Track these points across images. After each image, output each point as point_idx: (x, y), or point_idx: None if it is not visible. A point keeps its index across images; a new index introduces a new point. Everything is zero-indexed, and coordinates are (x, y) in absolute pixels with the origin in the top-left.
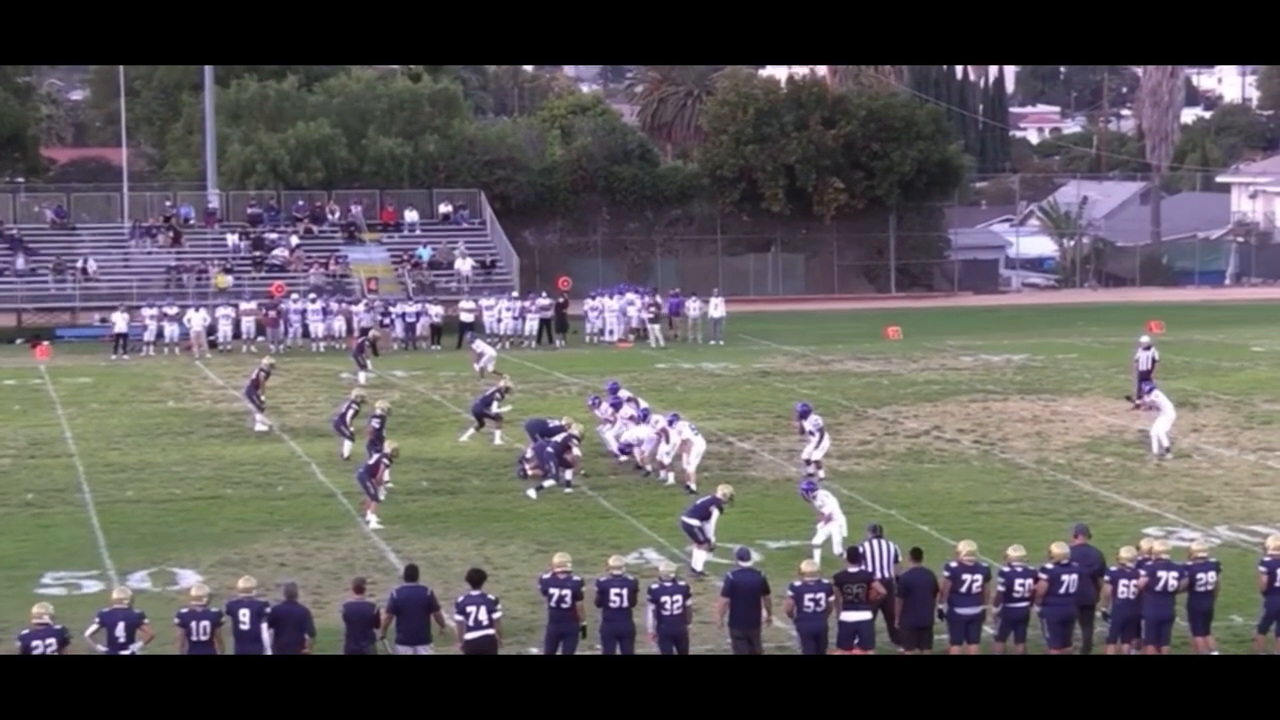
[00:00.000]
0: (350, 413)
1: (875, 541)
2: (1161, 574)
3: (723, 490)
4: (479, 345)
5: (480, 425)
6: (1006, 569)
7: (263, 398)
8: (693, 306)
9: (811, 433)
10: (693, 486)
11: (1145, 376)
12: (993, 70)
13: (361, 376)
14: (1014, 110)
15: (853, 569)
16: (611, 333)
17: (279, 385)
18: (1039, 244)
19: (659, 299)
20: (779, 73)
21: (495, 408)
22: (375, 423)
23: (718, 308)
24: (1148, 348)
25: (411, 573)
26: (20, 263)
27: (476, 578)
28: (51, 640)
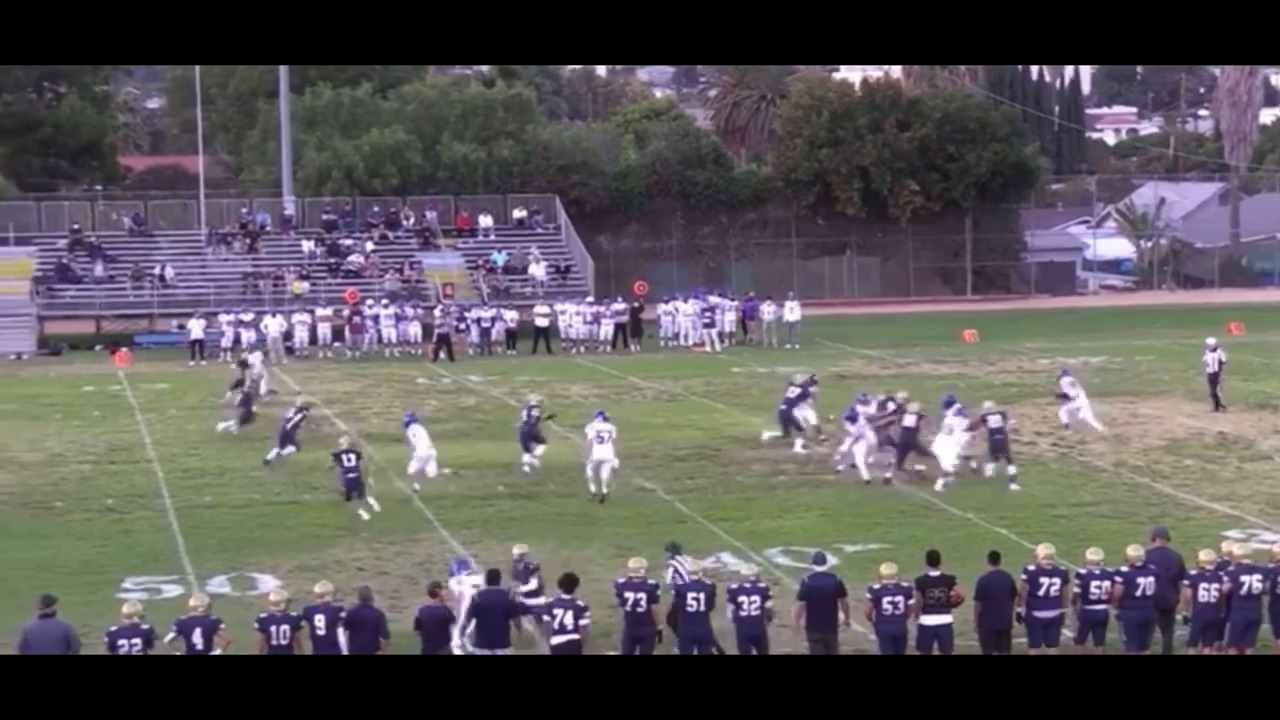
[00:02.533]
0: (296, 421)
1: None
2: (1245, 578)
3: None
4: (251, 357)
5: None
6: (1083, 571)
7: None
8: (767, 310)
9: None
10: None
11: (1214, 379)
12: (1069, 71)
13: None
14: (1090, 111)
15: (934, 573)
16: (686, 337)
17: (355, 391)
18: (1116, 246)
19: (721, 301)
20: (853, 75)
21: (297, 434)
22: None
23: (793, 311)
24: (1214, 349)
25: (493, 576)
26: (99, 270)
27: (569, 583)
28: (137, 640)
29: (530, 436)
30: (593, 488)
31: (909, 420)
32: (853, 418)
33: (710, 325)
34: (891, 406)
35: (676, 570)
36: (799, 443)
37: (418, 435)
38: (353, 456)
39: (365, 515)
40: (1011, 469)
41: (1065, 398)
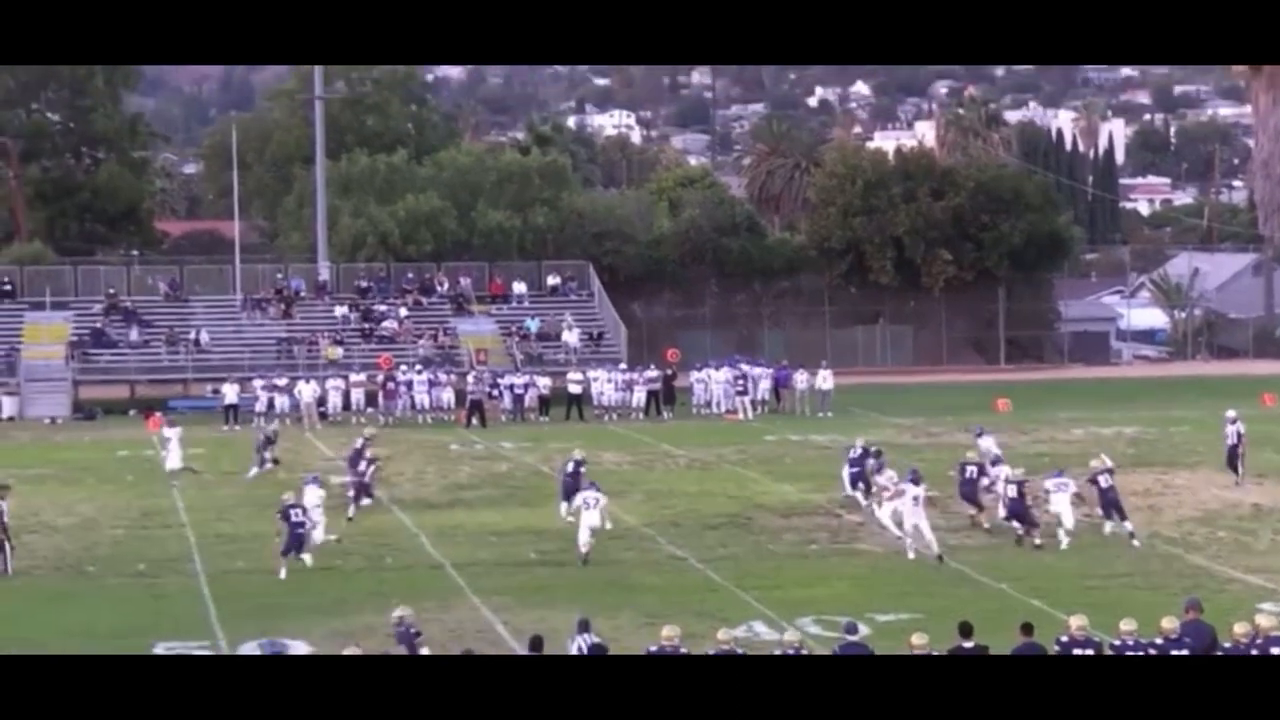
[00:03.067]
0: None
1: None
2: (1275, 650)
3: None
4: (167, 430)
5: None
6: (1117, 643)
7: (367, 471)
8: (800, 379)
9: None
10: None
11: (1233, 452)
12: (1103, 141)
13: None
14: (1124, 181)
15: (967, 644)
16: (719, 404)
17: (387, 458)
18: (1150, 316)
19: (754, 369)
20: (887, 144)
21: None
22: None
23: (826, 380)
24: (1234, 422)
25: (537, 644)
26: (134, 334)
27: (536, 645)
28: None
29: (574, 490)
30: (582, 549)
31: (1012, 491)
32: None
33: (744, 393)
34: (970, 471)
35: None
36: (864, 502)
37: (310, 496)
38: (299, 511)
39: (309, 560)
40: (1128, 525)
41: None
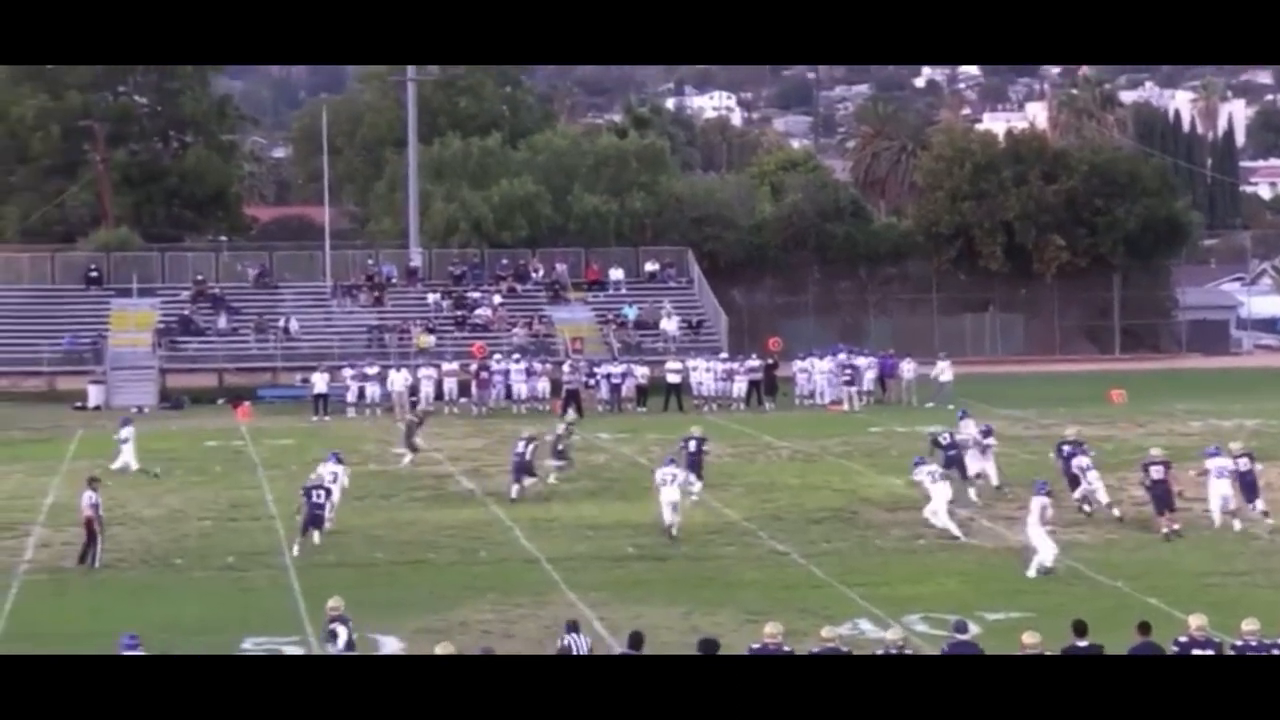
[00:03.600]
0: (527, 452)
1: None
2: None
3: None
4: (124, 430)
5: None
6: (1238, 643)
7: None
8: (907, 368)
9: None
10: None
11: None
12: (1222, 122)
13: (406, 457)
14: (1244, 164)
15: (1081, 644)
16: (822, 395)
17: (481, 449)
18: (1272, 304)
19: (859, 360)
20: (997, 126)
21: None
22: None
23: (945, 372)
24: None
25: (636, 641)
26: (222, 322)
27: (709, 646)
28: None
29: (695, 466)
30: (666, 520)
31: (1157, 472)
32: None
33: (850, 383)
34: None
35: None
36: (971, 491)
37: (323, 471)
38: (322, 493)
39: (297, 552)
40: (1260, 504)
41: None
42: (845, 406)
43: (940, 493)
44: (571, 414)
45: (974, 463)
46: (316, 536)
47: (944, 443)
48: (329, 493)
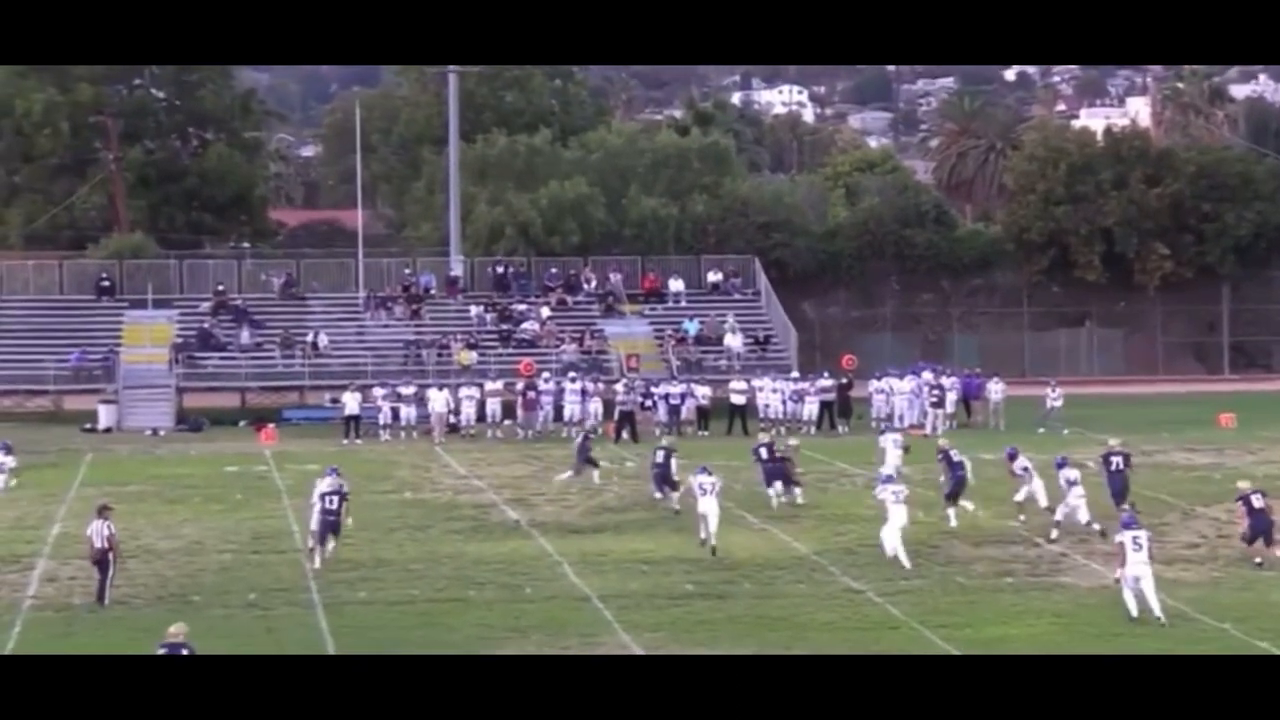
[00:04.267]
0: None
1: None
2: None
3: None
4: (4, 457)
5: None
6: None
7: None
8: (994, 389)
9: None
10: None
11: None
12: None
13: (595, 476)
14: None
15: None
16: (901, 418)
17: (527, 476)
18: None
19: (944, 380)
20: (1095, 124)
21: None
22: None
23: (1057, 397)
24: None
25: None
26: (245, 336)
27: None
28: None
29: (776, 475)
30: (701, 534)
31: (1258, 501)
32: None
33: (938, 404)
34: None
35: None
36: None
37: (323, 485)
38: (335, 499)
39: (318, 564)
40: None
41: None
42: (927, 430)
43: (898, 516)
44: (670, 439)
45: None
46: (332, 545)
47: (955, 459)
48: (344, 498)
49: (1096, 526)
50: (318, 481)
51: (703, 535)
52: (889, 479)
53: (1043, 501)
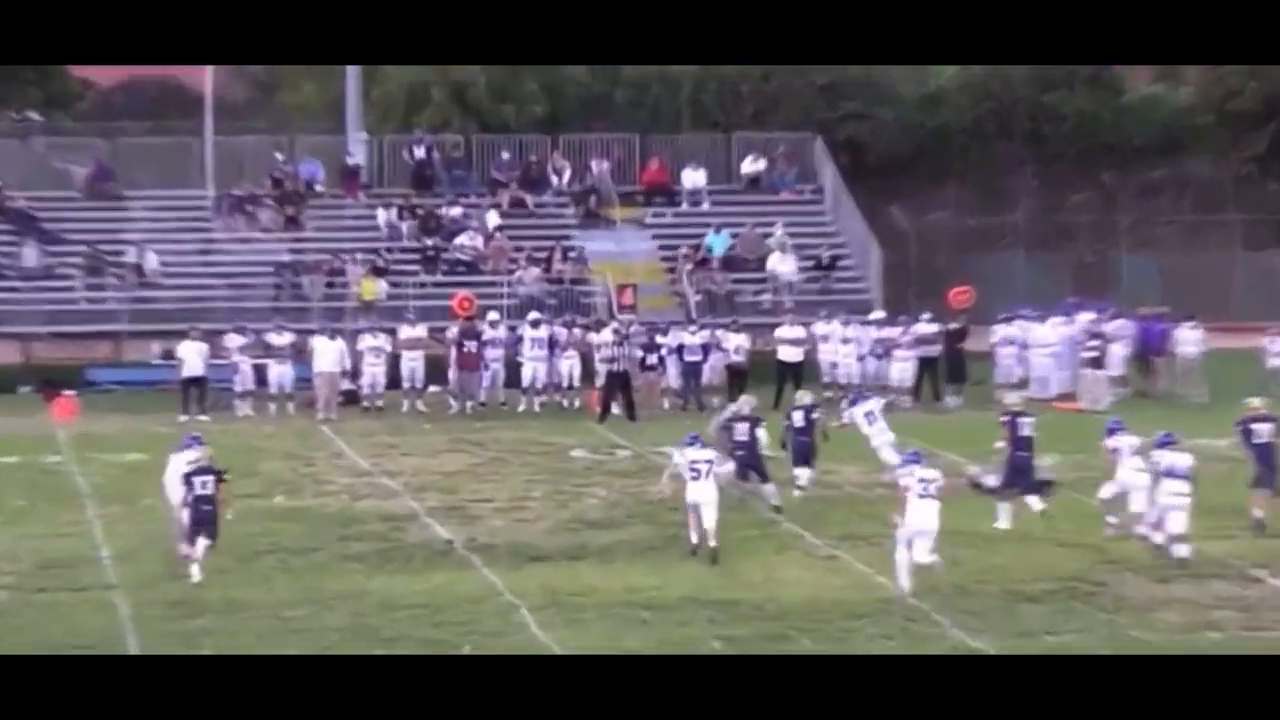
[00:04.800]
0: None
1: None
2: None
3: None
4: None
5: None
6: None
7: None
8: (1188, 339)
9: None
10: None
11: None
12: None
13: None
14: None
15: None
16: (1045, 383)
17: (463, 470)
18: None
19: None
20: None
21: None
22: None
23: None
24: None
25: None
26: (31, 255)
27: None
28: (209, 478)
29: (806, 453)
30: (694, 536)
31: None
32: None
33: (1097, 364)
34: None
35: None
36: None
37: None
38: (209, 481)
39: (196, 575)
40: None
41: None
42: (1084, 403)
43: (924, 518)
44: (732, 407)
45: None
46: (201, 548)
47: (988, 486)
48: (219, 477)
49: (1183, 553)
50: (173, 456)
51: (694, 538)
52: (914, 457)
53: (1135, 505)
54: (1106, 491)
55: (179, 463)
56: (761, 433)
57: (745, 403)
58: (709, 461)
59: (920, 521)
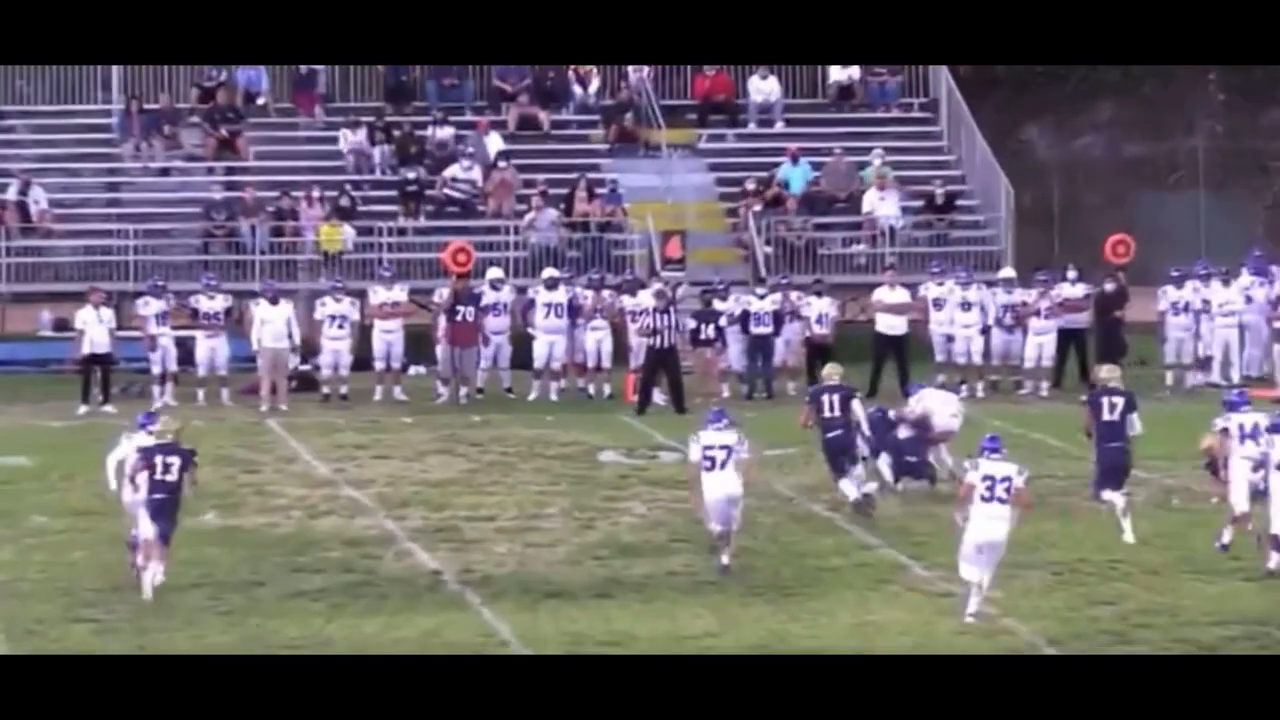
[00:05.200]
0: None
1: None
2: None
3: None
4: None
5: None
6: None
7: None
8: None
9: None
10: None
11: None
12: None
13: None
14: None
15: None
16: (1237, 363)
17: (457, 479)
18: None
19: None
20: None
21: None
22: None
23: None
24: None
25: None
26: None
27: None
28: (175, 459)
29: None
30: (725, 558)
31: None
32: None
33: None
34: None
35: None
36: None
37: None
38: (174, 461)
39: (148, 592)
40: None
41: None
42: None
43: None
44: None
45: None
46: (156, 553)
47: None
48: (187, 460)
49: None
50: (124, 439)
51: (725, 558)
52: (994, 443)
53: (1240, 504)
54: (1235, 496)
55: (130, 449)
56: (858, 406)
57: (833, 370)
58: (727, 448)
59: (979, 533)
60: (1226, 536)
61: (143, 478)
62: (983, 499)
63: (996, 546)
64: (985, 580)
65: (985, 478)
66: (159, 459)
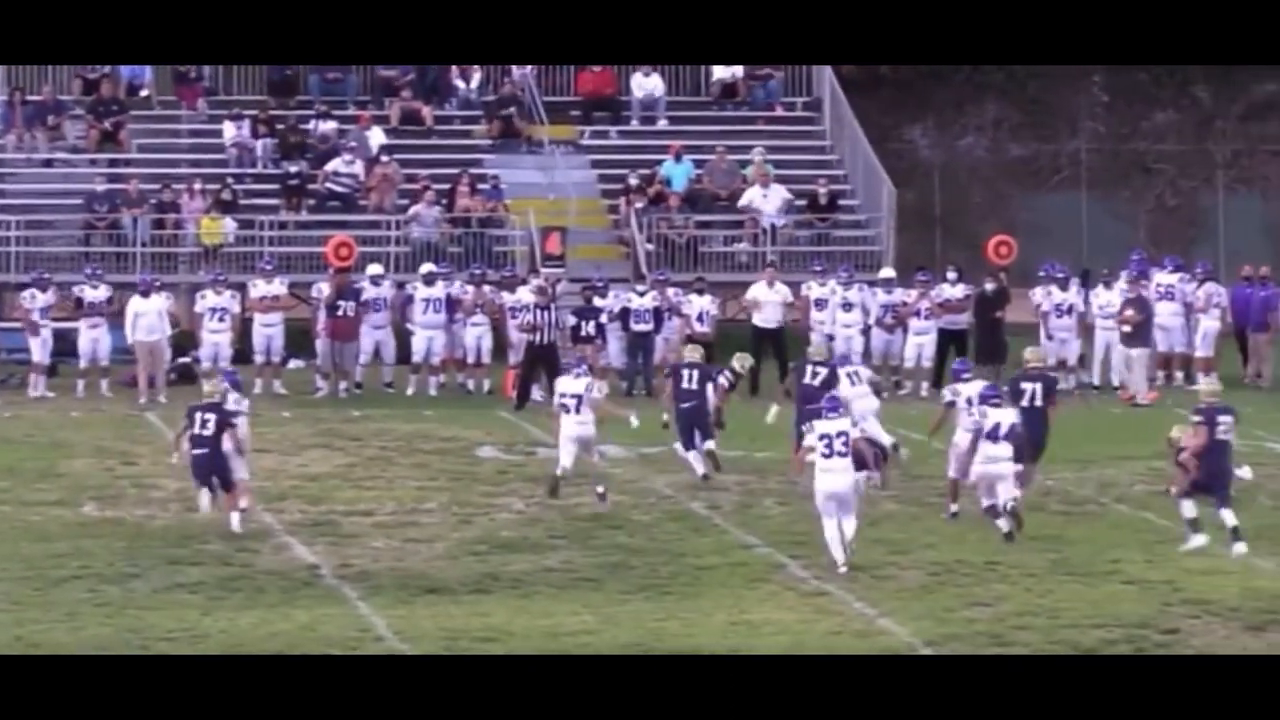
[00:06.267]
0: None
1: None
2: None
3: None
4: None
5: None
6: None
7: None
8: None
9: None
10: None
11: None
12: None
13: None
14: None
15: None
16: (1116, 372)
17: (338, 473)
18: None
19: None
20: None
21: None
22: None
23: None
24: None
25: None
26: None
27: None
28: (211, 416)
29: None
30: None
31: None
32: None
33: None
34: None
35: None
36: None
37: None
38: (210, 419)
39: (206, 504)
40: None
41: None
42: (1140, 394)
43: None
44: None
45: None
46: (206, 500)
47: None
48: (225, 419)
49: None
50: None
51: (558, 471)
52: (833, 403)
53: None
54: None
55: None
56: (712, 390)
57: (694, 351)
58: (578, 396)
59: (826, 484)
60: (954, 507)
61: (184, 429)
62: (823, 455)
63: (845, 496)
64: (848, 530)
65: (822, 436)
66: (198, 415)
